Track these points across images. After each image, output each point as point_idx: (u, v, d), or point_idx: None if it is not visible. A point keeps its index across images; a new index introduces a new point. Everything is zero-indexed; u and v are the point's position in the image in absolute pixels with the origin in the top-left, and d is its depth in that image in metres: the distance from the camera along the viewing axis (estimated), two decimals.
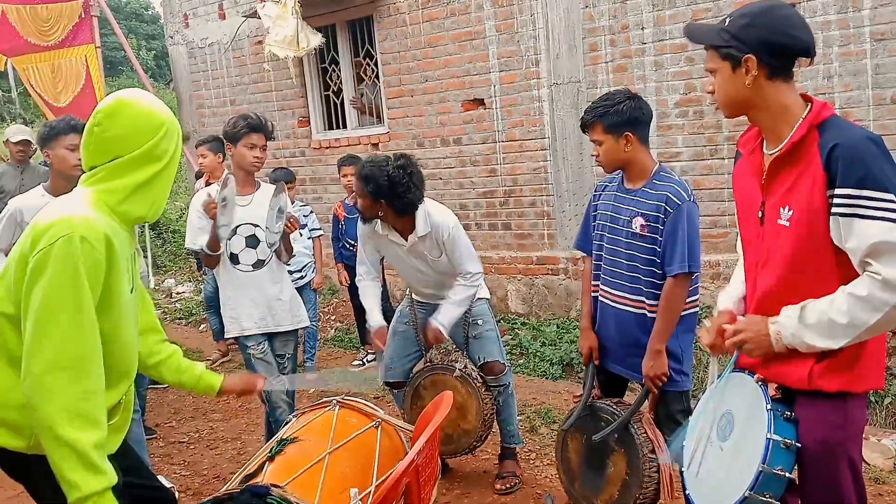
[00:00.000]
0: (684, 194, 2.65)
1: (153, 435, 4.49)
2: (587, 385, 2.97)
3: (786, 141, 1.81)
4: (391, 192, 3.21)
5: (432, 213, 3.35)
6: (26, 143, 5.27)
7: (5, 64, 7.75)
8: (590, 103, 2.86)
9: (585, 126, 2.79)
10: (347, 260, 5.51)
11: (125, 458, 1.99)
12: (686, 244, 2.62)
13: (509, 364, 3.61)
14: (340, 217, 5.59)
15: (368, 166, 3.28)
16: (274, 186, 3.55)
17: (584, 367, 3.09)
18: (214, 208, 3.25)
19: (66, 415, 1.65)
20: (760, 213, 1.89)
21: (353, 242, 5.42)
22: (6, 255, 2.82)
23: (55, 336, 1.67)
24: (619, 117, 2.68)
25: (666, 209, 2.64)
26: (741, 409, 1.94)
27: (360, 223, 3.53)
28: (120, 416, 1.98)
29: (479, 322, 3.51)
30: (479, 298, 3.52)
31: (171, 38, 8.77)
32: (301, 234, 5.16)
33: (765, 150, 1.91)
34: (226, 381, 2.33)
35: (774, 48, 1.78)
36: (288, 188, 5.30)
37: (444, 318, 3.38)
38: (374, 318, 3.59)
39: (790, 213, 1.80)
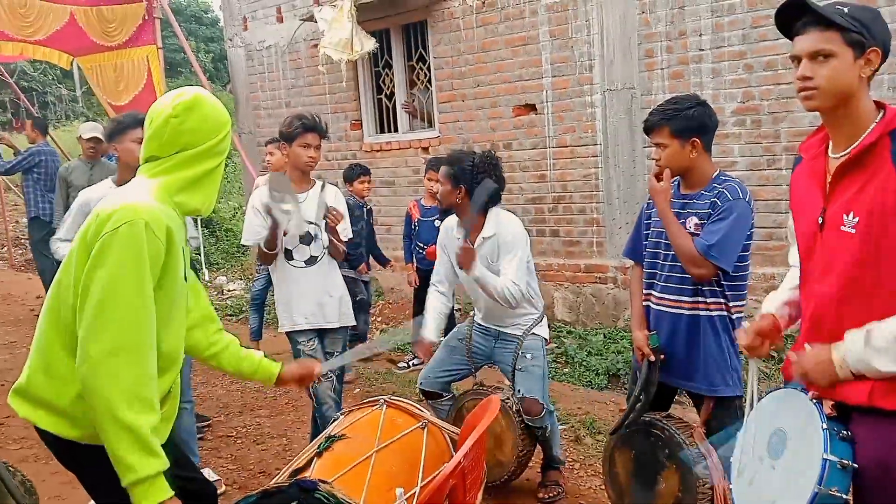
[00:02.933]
0: (740, 192, 2.60)
1: (207, 421, 4.59)
2: (641, 381, 2.84)
3: (856, 144, 1.75)
4: (472, 177, 3.23)
5: (504, 219, 3.35)
6: (97, 140, 5.47)
7: (71, 63, 8.04)
8: (646, 111, 2.83)
9: (650, 128, 2.72)
10: (419, 262, 5.52)
11: (171, 449, 2.01)
12: (723, 235, 2.54)
13: (551, 408, 3.51)
14: (414, 217, 5.57)
15: (458, 151, 3.37)
16: (332, 185, 3.64)
17: (630, 374, 3.03)
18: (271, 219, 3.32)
19: (125, 398, 1.68)
20: (820, 219, 1.83)
21: (423, 245, 5.43)
22: None
23: (117, 320, 1.70)
24: (688, 122, 2.64)
25: (717, 204, 2.60)
26: (794, 426, 1.87)
27: (441, 227, 3.53)
28: (169, 404, 2.01)
29: (529, 356, 3.41)
30: (535, 334, 3.44)
31: (230, 40, 8.96)
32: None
33: (830, 154, 1.84)
34: (284, 370, 2.34)
35: (887, 50, 1.74)
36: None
37: (481, 267, 3.22)
38: (428, 329, 3.54)
39: (855, 219, 1.73)
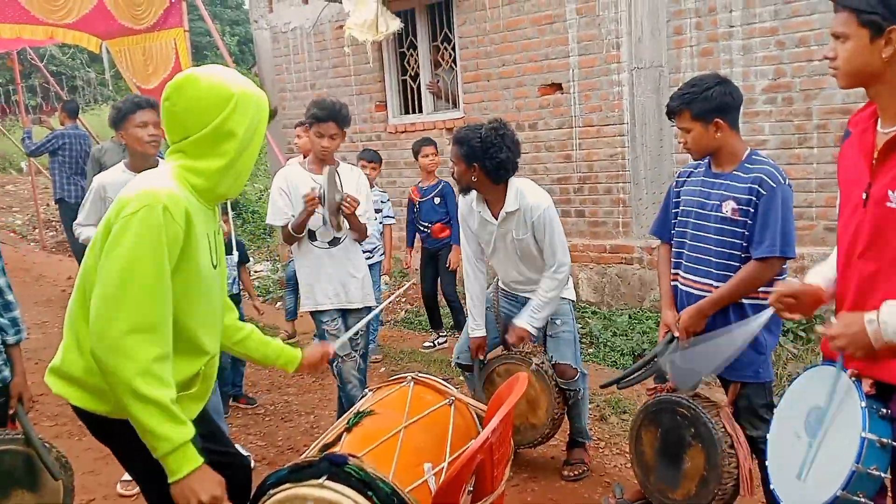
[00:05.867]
0: (779, 176, 2.56)
1: (254, 404, 4.69)
2: (659, 349, 2.86)
3: None
4: (483, 153, 3.17)
5: (525, 191, 3.28)
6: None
7: (100, 47, 8.10)
8: (674, 89, 2.79)
9: (672, 113, 2.71)
10: (423, 242, 5.60)
11: (204, 424, 2.04)
12: (779, 227, 2.52)
13: (584, 371, 3.53)
14: (415, 201, 5.63)
15: (463, 130, 3.30)
16: (353, 166, 3.64)
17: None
18: (313, 203, 3.36)
19: (141, 374, 1.70)
20: (865, 194, 1.80)
21: (426, 224, 5.48)
22: None
23: (135, 300, 1.71)
24: (709, 104, 2.60)
25: (759, 191, 2.55)
26: (832, 404, 1.86)
27: (460, 202, 3.51)
28: (199, 386, 2.02)
29: (558, 322, 3.44)
30: (562, 297, 3.43)
31: (256, 22, 8.98)
32: (375, 218, 5.23)
33: (879, 129, 1.81)
34: (305, 354, 2.40)
35: None
36: (372, 168, 5.40)
37: (529, 319, 3.32)
38: (477, 325, 3.51)
39: None
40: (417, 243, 5.76)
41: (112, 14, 7.40)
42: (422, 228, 5.58)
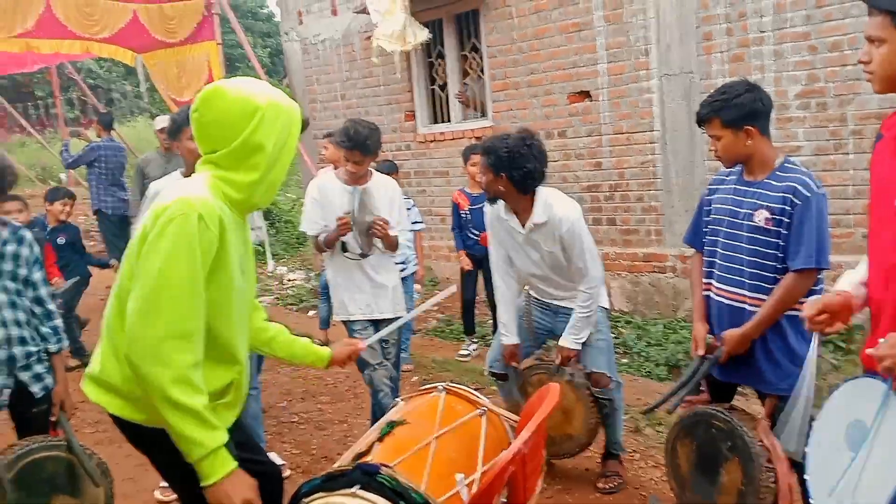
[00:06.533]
0: (813, 185, 2.52)
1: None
2: (688, 374, 2.84)
3: None
4: (510, 163, 3.16)
5: (553, 203, 3.26)
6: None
7: (135, 60, 8.28)
8: (705, 95, 2.76)
9: (702, 121, 2.68)
10: (469, 248, 5.58)
11: (238, 433, 2.06)
12: (815, 238, 2.49)
13: (619, 380, 3.50)
14: (463, 207, 5.60)
15: (490, 139, 3.30)
16: (386, 176, 3.68)
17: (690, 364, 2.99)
18: (345, 227, 3.44)
19: (177, 382, 1.72)
20: None
21: (476, 232, 5.46)
22: None
23: (170, 306, 1.74)
24: (739, 111, 2.57)
25: (793, 200, 2.52)
26: (873, 417, 1.82)
27: (488, 211, 3.50)
28: (233, 395, 2.05)
29: (592, 330, 3.40)
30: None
31: (286, 34, 9.11)
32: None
33: None
34: (334, 352, 2.42)
35: None
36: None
37: (573, 338, 3.31)
38: (508, 333, 3.48)
39: None
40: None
41: (146, 28, 7.56)
42: (470, 235, 5.57)
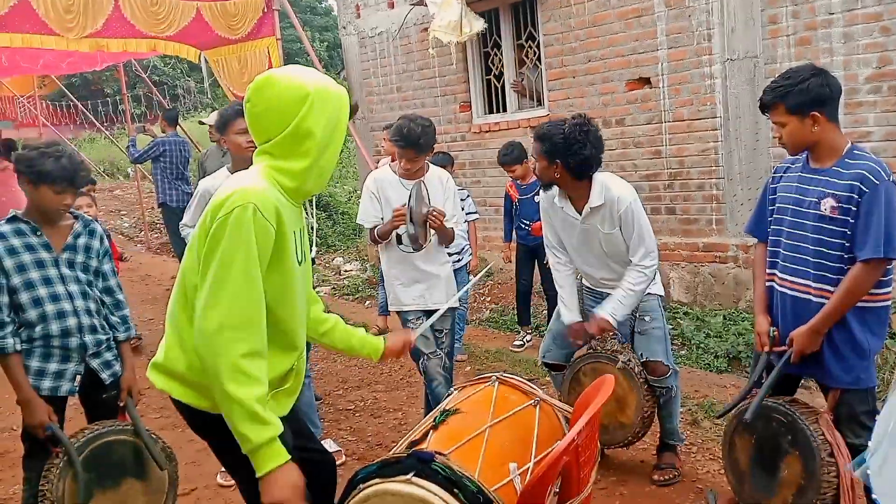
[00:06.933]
0: (882, 173, 2.41)
1: (319, 400, 4.79)
2: (757, 373, 2.78)
3: None
4: (566, 150, 3.13)
5: (610, 185, 3.23)
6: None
7: (199, 57, 8.50)
8: (769, 81, 2.67)
9: (766, 107, 2.60)
10: (521, 239, 5.61)
11: (294, 421, 2.11)
12: (883, 227, 2.39)
13: (676, 368, 3.43)
14: (514, 197, 5.62)
15: (545, 126, 3.27)
16: (440, 168, 3.70)
17: (752, 359, 2.92)
18: (400, 218, 3.47)
19: (231, 372, 1.77)
20: None
21: (527, 222, 5.46)
22: None
23: (226, 298, 1.78)
24: (804, 96, 2.48)
25: (861, 189, 2.42)
26: None
27: (541, 197, 3.48)
28: (292, 381, 2.10)
29: (647, 318, 3.37)
30: (650, 293, 3.35)
31: (344, 28, 9.20)
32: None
33: None
34: (388, 343, 2.45)
35: None
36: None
37: (612, 309, 3.25)
38: (570, 311, 3.47)
39: None
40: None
41: (209, 25, 7.73)
42: (522, 226, 5.58)
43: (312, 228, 4.38)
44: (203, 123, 6.23)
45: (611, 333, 3.37)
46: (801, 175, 2.62)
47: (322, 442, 2.92)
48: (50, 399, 2.75)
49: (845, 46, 5.00)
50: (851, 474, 2.46)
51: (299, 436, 2.14)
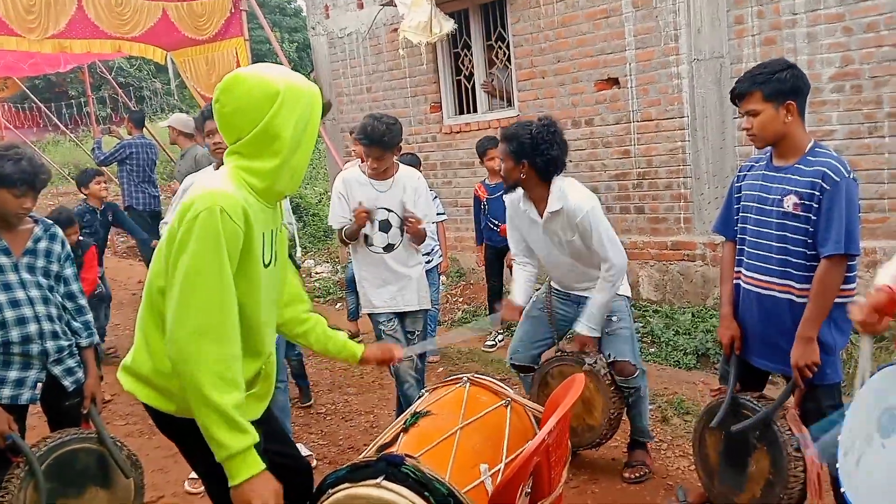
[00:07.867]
0: (843, 170, 2.45)
1: (309, 402, 4.76)
2: (732, 379, 2.80)
3: None
4: (533, 150, 3.15)
5: (568, 192, 3.23)
6: (173, 129, 6.26)
7: (165, 58, 8.39)
8: (735, 80, 2.70)
9: (741, 95, 2.59)
10: (489, 239, 5.60)
11: (267, 425, 2.07)
12: (843, 224, 2.42)
13: (643, 368, 3.46)
14: (482, 198, 5.62)
15: (513, 126, 3.29)
16: (411, 168, 3.68)
17: (720, 358, 2.95)
18: (362, 218, 3.46)
19: (209, 378, 1.73)
20: None
21: (496, 222, 5.46)
22: None
23: (198, 304, 1.75)
24: (782, 85, 2.51)
25: (822, 186, 2.45)
26: None
27: (507, 203, 3.50)
28: (261, 385, 2.06)
29: (614, 318, 3.38)
30: (617, 294, 3.36)
31: (313, 28, 9.13)
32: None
33: None
34: (367, 351, 2.40)
35: None
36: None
37: (589, 326, 3.29)
38: (516, 293, 3.53)
39: None
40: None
41: (176, 26, 7.64)
42: (490, 226, 5.57)
43: (293, 229, 4.34)
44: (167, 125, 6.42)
45: (592, 348, 3.38)
46: (764, 173, 2.65)
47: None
48: (10, 408, 2.68)
49: (809, 46, 5.08)
50: (818, 468, 2.49)
51: (274, 440, 2.10)
